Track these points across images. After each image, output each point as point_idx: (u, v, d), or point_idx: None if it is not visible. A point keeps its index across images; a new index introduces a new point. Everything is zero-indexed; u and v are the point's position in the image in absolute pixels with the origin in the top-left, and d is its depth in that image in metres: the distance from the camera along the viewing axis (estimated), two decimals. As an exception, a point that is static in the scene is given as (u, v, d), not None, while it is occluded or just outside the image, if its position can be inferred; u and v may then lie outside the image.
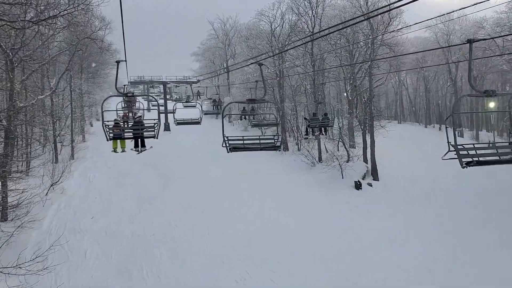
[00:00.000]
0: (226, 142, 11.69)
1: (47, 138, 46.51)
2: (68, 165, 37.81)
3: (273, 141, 12.01)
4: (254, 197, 33.25)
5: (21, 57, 30.88)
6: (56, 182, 33.83)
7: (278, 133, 12.47)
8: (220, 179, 37.35)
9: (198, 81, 59.98)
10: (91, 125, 64.67)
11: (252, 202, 32.25)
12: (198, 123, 24.39)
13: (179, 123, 23.74)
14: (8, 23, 16.33)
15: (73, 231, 26.83)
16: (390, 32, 38.92)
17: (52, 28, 36.71)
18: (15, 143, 33.35)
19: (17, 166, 36.75)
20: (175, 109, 24.43)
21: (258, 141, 11.98)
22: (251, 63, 39.94)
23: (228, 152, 11.86)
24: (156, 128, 14.41)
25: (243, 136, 11.98)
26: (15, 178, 29.30)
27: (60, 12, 16.99)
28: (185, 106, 35.54)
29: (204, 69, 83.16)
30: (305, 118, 26.86)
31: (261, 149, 12.03)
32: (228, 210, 30.67)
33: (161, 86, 66.94)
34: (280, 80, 48.54)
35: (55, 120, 45.06)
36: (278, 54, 44.91)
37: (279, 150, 23.82)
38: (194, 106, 35.27)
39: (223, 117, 11.88)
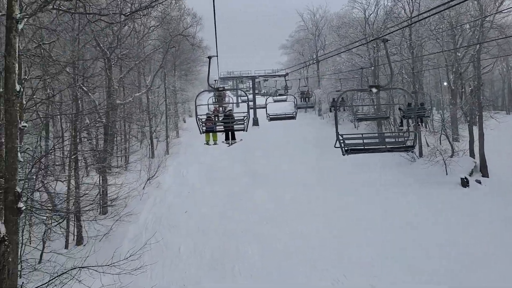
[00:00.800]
0: (342, 142, 10.12)
1: (144, 134, 48.45)
2: (163, 160, 38.80)
3: (403, 140, 10.07)
4: (347, 196, 31.33)
5: (118, 56, 31.98)
6: (152, 177, 34.79)
7: (408, 129, 10.46)
8: (311, 175, 35.97)
9: (287, 74, 58.83)
10: (184, 121, 66.59)
11: (345, 201, 30.36)
12: (292, 117, 22.65)
13: (272, 118, 22.33)
14: (102, 17, 16.46)
15: (167, 226, 27.15)
16: (501, 12, 34.56)
17: (147, 26, 37.72)
18: (114, 139, 34.82)
19: (117, 161, 38.54)
20: (267, 103, 23.11)
21: (383, 140, 10.13)
22: (343, 52, 37.78)
23: (343, 154, 10.32)
24: (245, 121, 14.91)
25: (362, 134, 10.32)
26: (114, 173, 30.49)
27: (152, 3, 16.74)
28: (275, 101, 34.50)
29: (292, 62, 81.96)
30: (399, 109, 24.76)
31: (388, 150, 10.23)
32: (321, 209, 29.13)
33: (250, 81, 66.90)
34: (375, 70, 45.79)
35: (151, 117, 46.72)
36: (372, 41, 42.20)
37: (412, 151, 21.56)
38: (285, 100, 34.18)
39: (336, 111, 10.28)
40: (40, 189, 21.01)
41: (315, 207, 29.42)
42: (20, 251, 19.60)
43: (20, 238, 19.64)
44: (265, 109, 22.79)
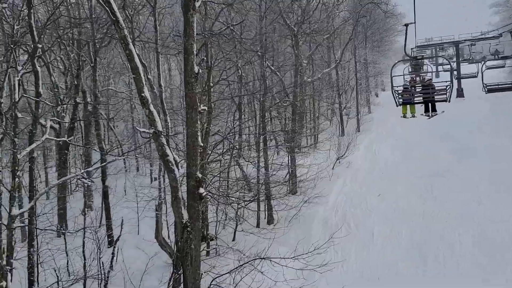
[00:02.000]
0: None
1: (333, 111, 47.24)
2: (354, 138, 36.81)
3: None
4: None
5: (305, 31, 31.02)
6: (342, 156, 33.34)
7: None
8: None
9: (500, 35, 49.90)
10: (377, 96, 63.12)
11: None
12: None
13: (491, 89, 17.98)
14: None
15: (358, 207, 25.33)
16: None
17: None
18: (304, 117, 34.35)
19: (306, 140, 38.24)
20: (483, 70, 18.65)
21: None
22: None
23: None
24: (448, 90, 13.95)
25: None
26: (302, 153, 29.98)
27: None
28: (488, 68, 28.87)
29: (507, 21, 69.60)
30: None
31: None
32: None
33: (452, 47, 59.16)
34: None
35: (340, 93, 45.13)
36: None
37: None
38: (503, 66, 28.33)
39: None
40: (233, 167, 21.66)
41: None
42: (216, 230, 20.58)
43: (215, 217, 20.60)
44: (479, 77, 18.69)
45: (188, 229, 9.78)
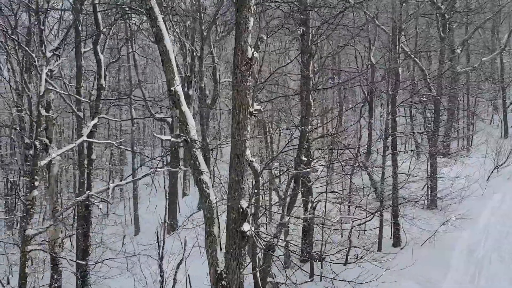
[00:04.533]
0: None
1: (496, 108, 39.35)
2: (521, 142, 29.55)
3: None
4: None
5: (456, 10, 25.26)
6: (502, 164, 26.76)
7: None
8: None
9: None
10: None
11: None
12: None
13: None
14: None
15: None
16: None
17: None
18: (454, 115, 28.38)
19: (458, 143, 32.08)
20: None
21: None
22: None
23: None
24: None
25: None
26: (450, 158, 24.52)
27: None
28: None
29: None
30: None
31: None
32: None
33: None
34: None
35: (505, 86, 37.19)
36: None
37: None
38: None
39: None
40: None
41: None
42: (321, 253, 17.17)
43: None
44: None
45: (223, 282, 6.88)
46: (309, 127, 14.61)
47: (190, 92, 26.08)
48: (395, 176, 19.17)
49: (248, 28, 7.16)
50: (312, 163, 17.44)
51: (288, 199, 12.87)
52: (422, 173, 22.78)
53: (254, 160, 7.42)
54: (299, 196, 17.76)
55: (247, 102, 7.18)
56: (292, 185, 13.89)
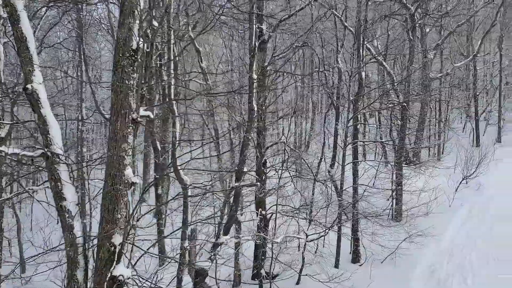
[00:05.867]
0: None
1: (469, 116, 38.74)
2: (491, 151, 28.52)
3: None
4: None
5: (425, 12, 24.16)
6: (470, 175, 25.80)
7: None
8: None
9: None
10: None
11: None
12: None
13: None
14: None
15: (484, 255, 17.95)
16: None
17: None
18: (423, 122, 27.28)
19: (428, 152, 31.11)
20: None
21: None
22: None
23: None
24: None
25: None
26: (414, 168, 23.37)
27: None
28: None
29: None
30: None
31: None
32: None
33: None
34: None
35: (477, 93, 36.49)
36: None
37: None
38: None
39: None
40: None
41: None
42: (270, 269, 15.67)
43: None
44: None
45: None
46: (252, 134, 13.14)
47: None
48: (355, 188, 17.83)
49: (134, 11, 5.63)
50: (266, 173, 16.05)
51: (225, 216, 11.30)
52: (388, 185, 21.63)
53: (138, 181, 5.84)
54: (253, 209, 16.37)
55: (128, 106, 5.63)
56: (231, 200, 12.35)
